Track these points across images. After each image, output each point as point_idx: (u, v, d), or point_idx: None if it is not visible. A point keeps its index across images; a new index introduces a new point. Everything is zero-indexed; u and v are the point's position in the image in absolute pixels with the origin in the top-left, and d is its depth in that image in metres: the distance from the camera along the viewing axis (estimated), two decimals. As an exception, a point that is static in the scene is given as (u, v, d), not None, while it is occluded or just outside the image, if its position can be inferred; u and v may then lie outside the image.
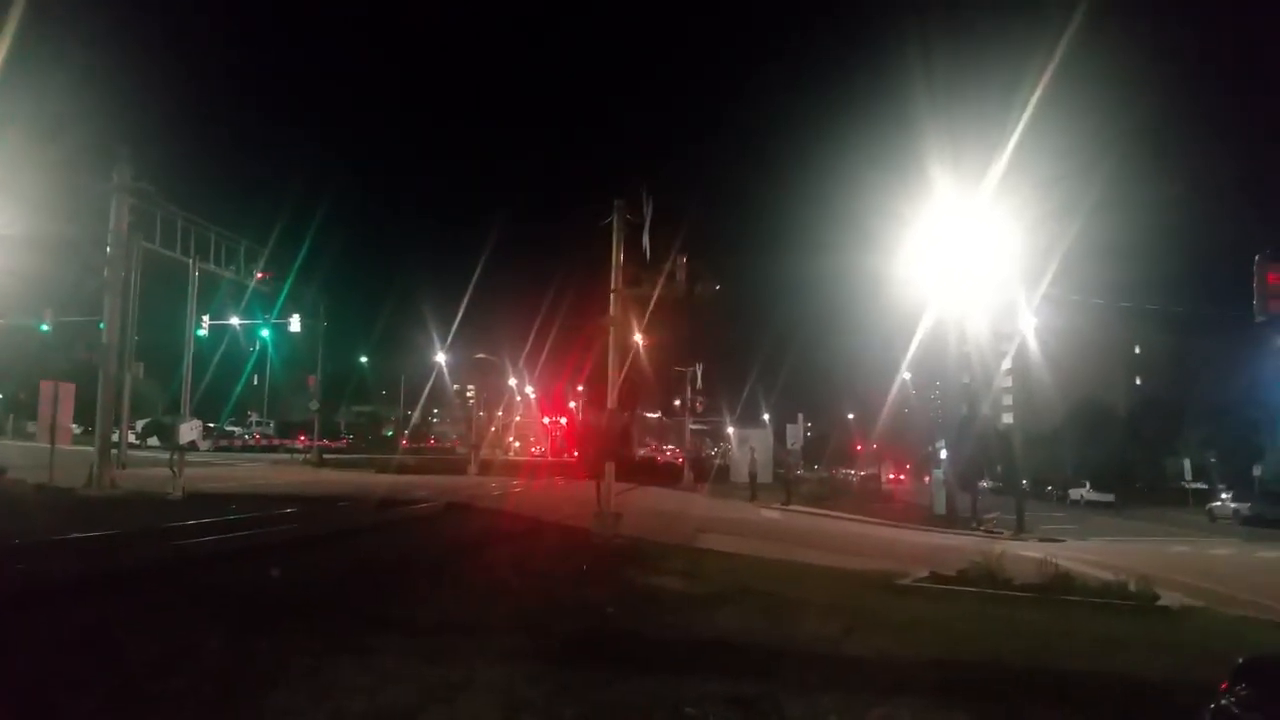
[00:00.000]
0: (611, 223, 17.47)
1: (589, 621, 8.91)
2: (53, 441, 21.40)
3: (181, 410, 35.28)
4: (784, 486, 38.47)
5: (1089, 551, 21.99)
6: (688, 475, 48.42)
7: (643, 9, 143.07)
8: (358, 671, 6.32)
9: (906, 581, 12.40)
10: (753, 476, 40.96)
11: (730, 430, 56.75)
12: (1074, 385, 71.04)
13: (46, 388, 22.26)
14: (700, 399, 57.23)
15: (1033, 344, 38.70)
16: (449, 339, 61.42)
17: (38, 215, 26.56)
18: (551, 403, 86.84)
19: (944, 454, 36.66)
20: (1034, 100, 24.71)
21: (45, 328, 34.89)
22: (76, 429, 29.89)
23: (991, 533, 28.09)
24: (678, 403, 57.22)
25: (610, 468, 17.26)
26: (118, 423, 26.33)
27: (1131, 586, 11.49)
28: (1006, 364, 34.15)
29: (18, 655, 6.49)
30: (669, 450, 62.47)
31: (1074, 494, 61.25)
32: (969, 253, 29.45)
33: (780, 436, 55.46)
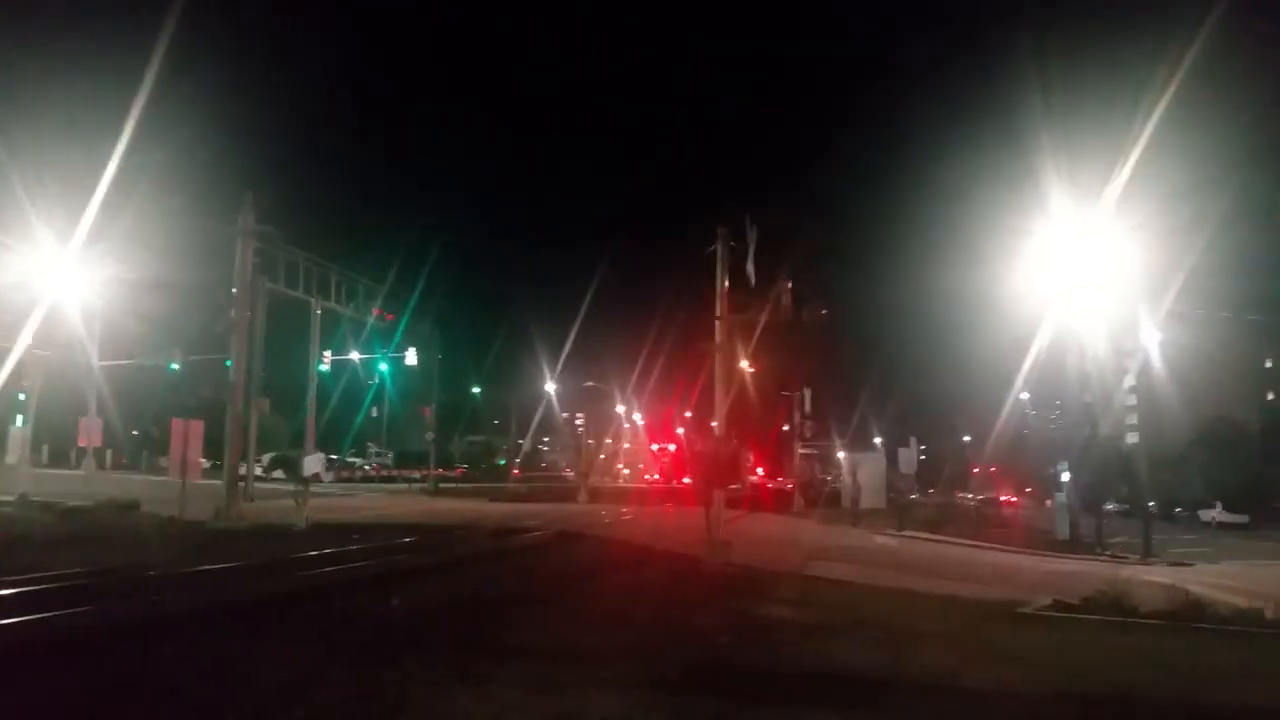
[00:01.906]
0: (716, 250, 17.55)
1: (701, 651, 8.90)
2: (183, 476, 22.35)
3: (305, 444, 36.79)
4: (897, 512, 37.56)
5: (1221, 576, 20.76)
6: (798, 501, 47.78)
7: (747, 31, 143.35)
8: (476, 700, 6.46)
9: (1028, 610, 11.98)
10: (855, 501, 40.20)
11: (841, 455, 55.74)
12: (1202, 403, 67.50)
13: (176, 425, 23.24)
14: (809, 423, 56.54)
15: (1157, 360, 36.99)
16: (558, 368, 62.41)
17: (166, 260, 28.22)
18: (660, 429, 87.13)
19: (1065, 476, 35.15)
20: (1159, 110, 23.75)
21: (175, 367, 36.84)
22: (206, 464, 31.41)
23: (1117, 557, 26.81)
24: (786, 428, 56.59)
25: (720, 495, 17.22)
26: (245, 457, 27.50)
27: (1269, 613, 10.84)
28: (1130, 381, 32.68)
29: (151, 683, 6.85)
30: (779, 477, 61.72)
31: (1204, 515, 57.91)
32: (1089, 267, 28.34)
33: (893, 460, 54.20)
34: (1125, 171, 24.62)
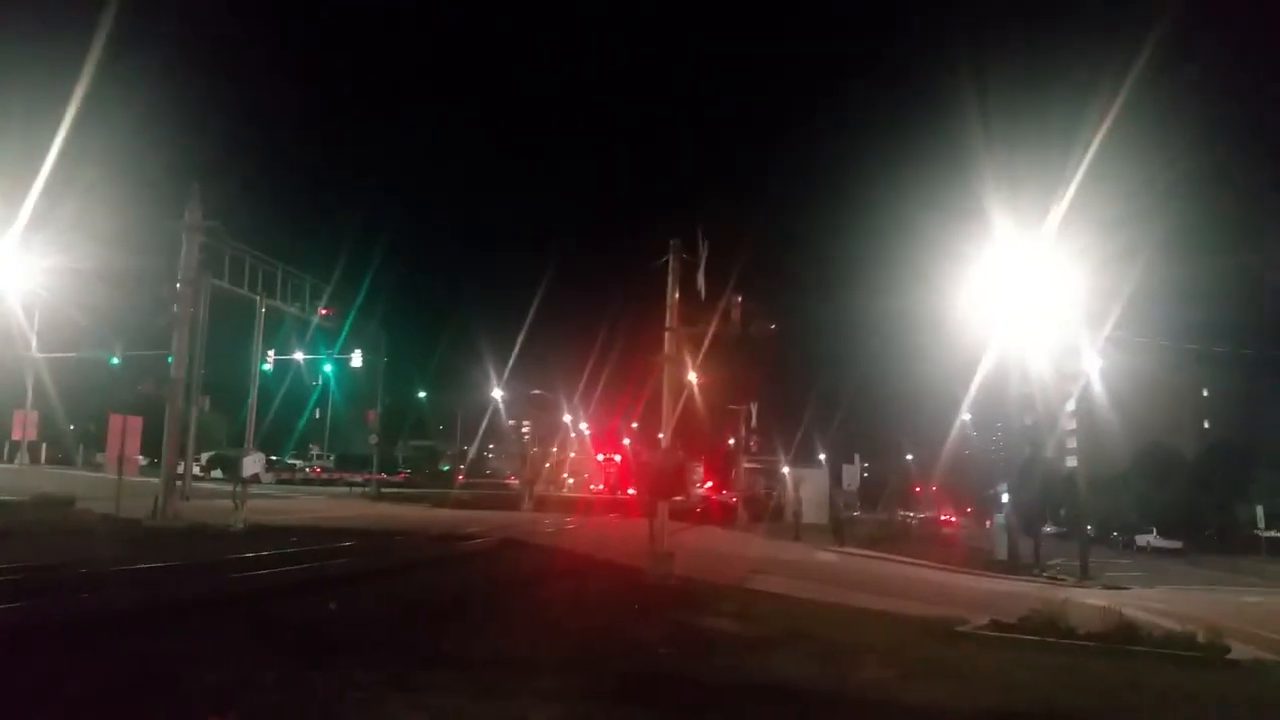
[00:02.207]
0: (667, 262, 17.58)
1: (642, 662, 8.85)
2: (120, 473, 21.89)
3: (246, 444, 36.08)
4: (835, 528, 37.82)
5: (1155, 600, 21.26)
6: (742, 515, 47.99)
7: (699, 48, 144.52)
8: (410, 708, 6.34)
9: (966, 629, 12.11)
10: (796, 516, 40.53)
11: (785, 470, 56.14)
12: (1140, 428, 69.22)
13: (115, 420, 22.78)
14: (755, 438, 56.90)
15: (1098, 386, 37.85)
16: (505, 375, 62.13)
17: (110, 251, 27.59)
18: (606, 440, 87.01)
19: (1005, 497, 35.80)
20: (1098, 140, 24.43)
21: (115, 361, 35.98)
22: (143, 461, 30.71)
23: (1054, 579, 27.32)
24: (732, 442, 56.87)
25: (664, 507, 17.20)
26: (183, 455, 26.92)
27: (1200, 637, 11.06)
28: (1071, 406, 33.41)
29: (81, 683, 6.64)
30: (723, 490, 61.99)
31: (1140, 540, 59.36)
32: (1031, 292, 28.95)
33: (837, 477, 54.75)
34: (1066, 199, 25.29)
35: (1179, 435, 78.86)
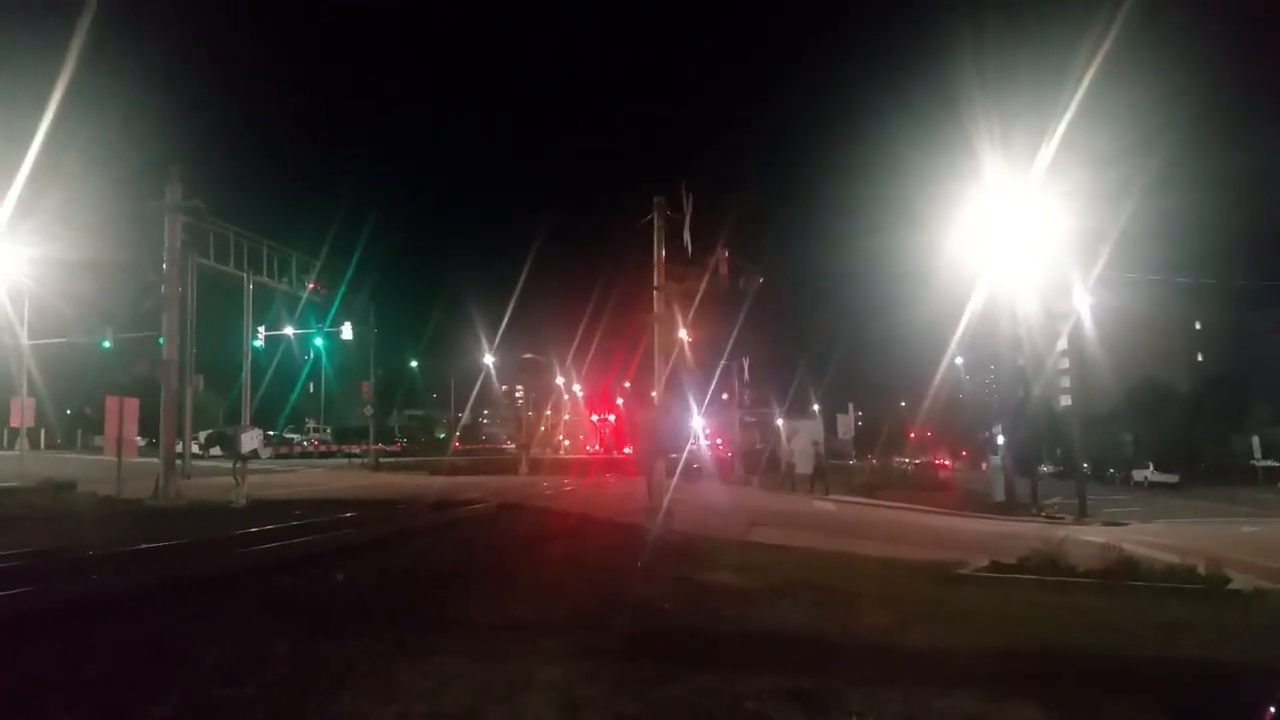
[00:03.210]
0: (652, 220, 17.51)
1: (645, 618, 8.95)
2: (119, 455, 22.01)
3: (242, 420, 36.16)
4: (818, 476, 37.85)
5: (1154, 534, 21.52)
6: (738, 469, 48.30)
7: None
8: (420, 674, 6.42)
9: (965, 571, 12.25)
10: (790, 467, 40.75)
11: (780, 422, 56.38)
12: (1133, 364, 69.63)
13: (111, 403, 22.85)
14: (748, 391, 57.07)
15: (1089, 324, 37.95)
16: (496, 341, 62.04)
17: (94, 238, 27.49)
18: (599, 400, 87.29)
19: (1001, 439, 36.04)
20: (1089, 75, 24.18)
21: (107, 345, 35.94)
22: (141, 442, 30.80)
23: (1052, 518, 27.61)
24: (725, 396, 57.04)
25: (660, 463, 17.30)
26: (181, 434, 26.98)
27: (1200, 569, 11.20)
28: (1062, 345, 33.49)
29: (91, 663, 6.71)
30: (719, 444, 62.30)
31: (1137, 476, 59.90)
32: (1021, 232, 28.90)
33: (831, 427, 55.02)
34: (1056, 137, 25.08)
35: (1172, 370, 79.38)
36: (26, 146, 22.23)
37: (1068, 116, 24.66)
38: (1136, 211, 36.60)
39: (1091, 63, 24.13)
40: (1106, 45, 23.96)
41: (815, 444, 42.50)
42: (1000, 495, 32.16)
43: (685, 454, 26.10)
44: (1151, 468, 59.74)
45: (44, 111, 21.53)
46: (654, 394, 17.91)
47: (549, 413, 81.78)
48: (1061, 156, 25.93)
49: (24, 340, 36.81)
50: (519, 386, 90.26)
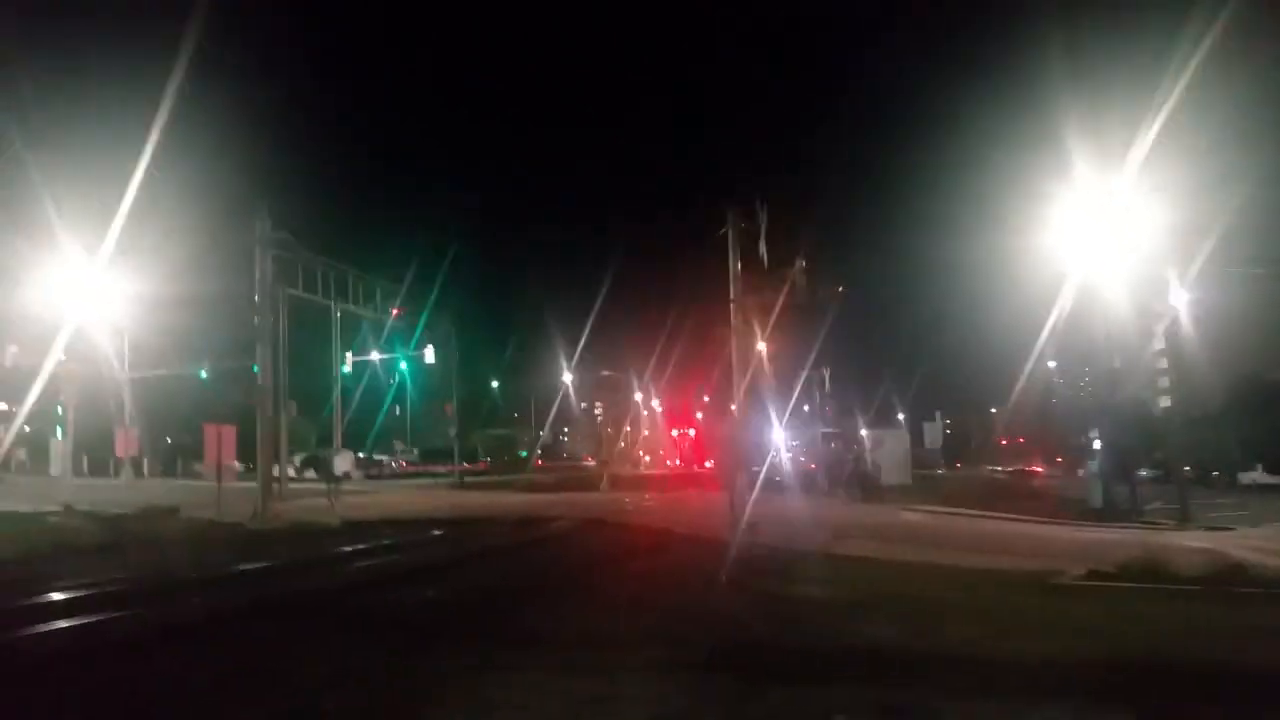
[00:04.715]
0: (727, 232, 17.50)
1: (729, 632, 8.91)
2: (219, 480, 22.77)
3: (334, 443, 37.22)
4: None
5: (1264, 539, 20.49)
6: (822, 481, 47.66)
7: (751, 3, 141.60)
8: (511, 687, 6.51)
9: (1062, 580, 11.88)
10: (873, 479, 40.21)
11: (864, 433, 55.51)
12: (1237, 362, 66.48)
13: (210, 431, 23.61)
14: (830, 402, 56.37)
15: (1188, 322, 36.48)
16: (575, 359, 62.57)
17: (189, 272, 28.59)
18: (679, 415, 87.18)
19: (1097, 444, 34.82)
20: (1191, 62, 23.13)
21: (204, 375, 37.40)
22: (239, 467, 31.91)
23: (1153, 525, 26.54)
24: (807, 408, 56.43)
25: (742, 477, 17.21)
26: (277, 459, 27.83)
27: (1314, 575, 10.69)
28: (1160, 344, 32.25)
29: (201, 676, 6.99)
30: (801, 458, 61.69)
31: (1244, 478, 57.08)
32: (1114, 228, 27.83)
33: (918, 436, 53.97)
34: (1154, 128, 23.94)
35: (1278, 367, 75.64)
36: (125, 186, 23.18)
37: (1168, 106, 23.56)
38: (1239, 205, 34.97)
39: (1196, 47, 22.93)
40: (1212, 27, 22.84)
41: (924, 454, 41.81)
42: (1098, 502, 31.06)
43: (766, 467, 25.91)
44: (1260, 469, 56.93)
45: (141, 151, 22.46)
46: (733, 407, 17.86)
47: (628, 429, 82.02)
48: (1160, 147, 24.79)
49: (125, 373, 38.62)
50: (598, 403, 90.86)
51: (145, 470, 46.32)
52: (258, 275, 24.67)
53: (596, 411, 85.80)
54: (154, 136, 22.08)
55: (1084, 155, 25.76)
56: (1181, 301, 33.14)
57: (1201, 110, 28.34)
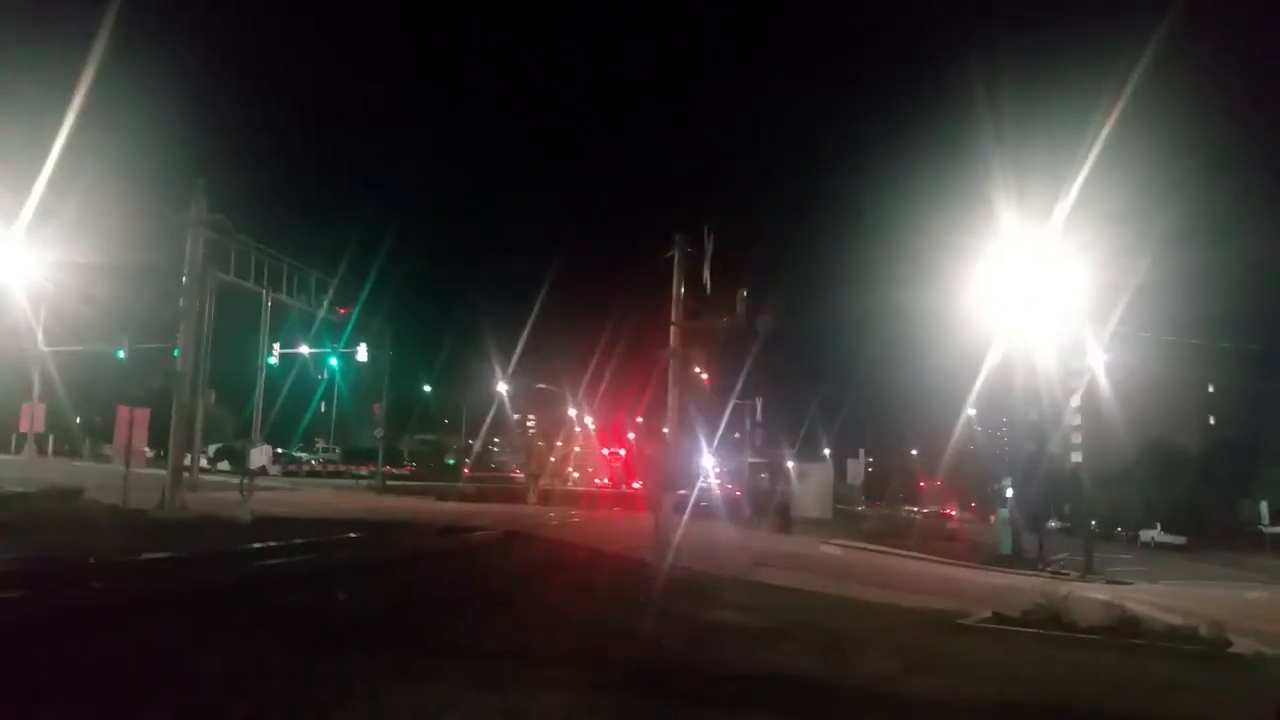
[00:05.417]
0: (673, 256, 17.62)
1: (646, 653, 8.91)
2: (127, 464, 22.02)
3: (252, 436, 36.26)
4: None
5: (1159, 595, 21.29)
6: (746, 509, 48.03)
7: (704, 42, 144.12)
8: (418, 698, 6.42)
9: (968, 621, 12.17)
10: (787, 510, 40.73)
11: (790, 465, 56.11)
12: (1145, 424, 68.98)
13: (122, 413, 22.89)
14: (760, 433, 56.88)
15: (1103, 381, 37.76)
16: (510, 369, 61.99)
17: (115, 246, 27.66)
18: (611, 434, 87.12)
19: (1010, 492, 35.78)
20: (1106, 130, 24.26)
21: (122, 354, 36.14)
22: (150, 453, 30.86)
23: (1057, 574, 27.34)
24: (737, 436, 56.85)
25: (669, 500, 17.26)
26: (190, 447, 27.04)
27: (1202, 631, 11.11)
28: (1075, 401, 33.31)
29: (90, 671, 6.72)
30: (728, 484, 62.02)
31: (1144, 536, 59.34)
32: (1037, 287, 28.88)
33: (841, 471, 54.75)
34: (1073, 192, 25.09)
35: (1184, 431, 78.64)
36: (48, 150, 22.37)
37: (1085, 170, 24.71)
38: (1152, 268, 36.51)
39: (1109, 116, 24.20)
40: (1124, 99, 24.05)
41: (845, 490, 42.50)
42: (1006, 548, 31.90)
43: (694, 492, 26.03)
44: (1159, 528, 59.20)
45: (64, 117, 21.72)
46: (665, 430, 17.92)
47: (560, 444, 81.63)
48: (1079, 210, 25.94)
49: (40, 345, 37.12)
50: (531, 416, 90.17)
51: (50, 449, 44.65)
52: (188, 256, 23.96)
53: (529, 424, 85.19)
54: (80, 98, 21.40)
55: (1010, 213, 26.84)
56: (1099, 361, 34.33)
57: (1118, 175, 29.66)
